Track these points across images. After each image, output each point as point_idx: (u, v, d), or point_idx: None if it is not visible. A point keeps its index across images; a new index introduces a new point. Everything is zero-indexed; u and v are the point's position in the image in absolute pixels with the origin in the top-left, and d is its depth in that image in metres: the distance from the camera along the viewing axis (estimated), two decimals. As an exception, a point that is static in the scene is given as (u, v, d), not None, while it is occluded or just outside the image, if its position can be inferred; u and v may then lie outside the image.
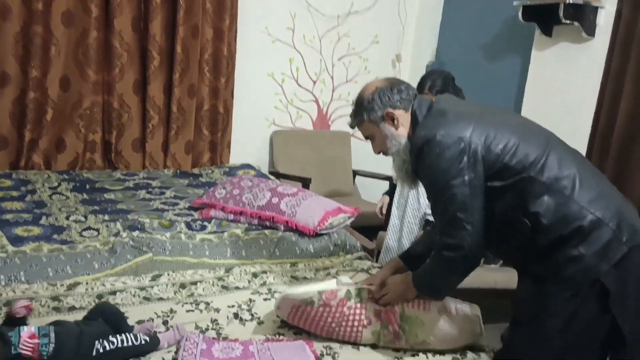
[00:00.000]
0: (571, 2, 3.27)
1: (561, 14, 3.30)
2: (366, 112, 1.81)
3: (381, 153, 1.89)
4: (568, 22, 3.32)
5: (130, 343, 1.68)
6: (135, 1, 3.57)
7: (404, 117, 1.79)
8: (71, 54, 3.46)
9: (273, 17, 4.15)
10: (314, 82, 4.44)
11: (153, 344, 1.72)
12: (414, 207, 2.89)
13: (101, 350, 1.63)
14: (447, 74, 2.86)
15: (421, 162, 1.69)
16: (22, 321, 1.68)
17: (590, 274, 1.56)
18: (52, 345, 1.59)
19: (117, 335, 1.68)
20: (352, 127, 1.92)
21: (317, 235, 2.78)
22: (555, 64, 3.55)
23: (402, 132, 1.79)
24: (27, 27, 3.31)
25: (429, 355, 1.87)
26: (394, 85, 1.81)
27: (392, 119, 1.79)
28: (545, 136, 1.72)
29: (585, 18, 3.32)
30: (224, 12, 3.83)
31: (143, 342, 1.70)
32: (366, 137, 1.90)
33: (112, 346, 1.65)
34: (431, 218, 2.68)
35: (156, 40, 3.63)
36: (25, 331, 1.61)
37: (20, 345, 1.52)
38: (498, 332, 1.81)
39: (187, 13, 3.68)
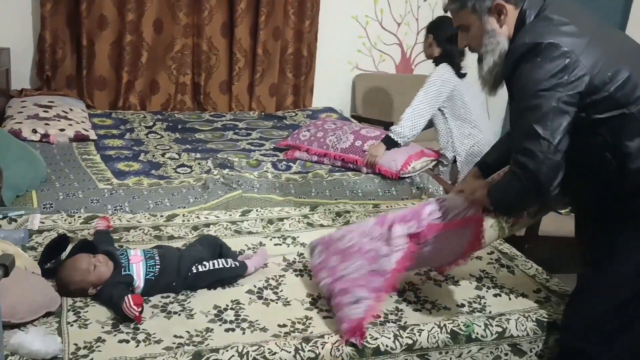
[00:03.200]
0: None
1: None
2: None
3: (467, 47, 1.72)
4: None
5: (221, 265, 1.82)
6: (223, -56, 3.61)
7: (511, 15, 1.59)
8: (163, -2, 3.58)
9: (358, -43, 4.08)
10: (399, 25, 4.36)
11: (242, 268, 1.85)
12: None
13: (195, 271, 1.78)
14: None
15: (518, 69, 1.54)
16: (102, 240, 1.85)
17: None
18: (157, 267, 1.74)
19: (211, 261, 1.82)
20: (446, 10, 1.68)
21: (400, 178, 2.81)
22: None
23: (504, 31, 1.60)
24: (122, -29, 3.44)
25: (512, 296, 1.90)
26: None
27: (499, 14, 1.59)
28: None
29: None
30: (309, -47, 3.81)
31: (233, 266, 1.84)
32: (457, 27, 1.68)
33: (205, 268, 1.80)
34: None
35: (243, -19, 3.67)
36: (132, 254, 1.78)
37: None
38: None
39: (273, -46, 3.68)
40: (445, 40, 2.88)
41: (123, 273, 1.71)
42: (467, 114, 2.92)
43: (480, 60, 1.67)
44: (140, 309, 1.57)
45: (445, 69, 2.87)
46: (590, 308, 1.63)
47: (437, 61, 2.94)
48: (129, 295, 1.58)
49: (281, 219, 2.35)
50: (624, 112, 1.50)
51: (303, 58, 4.01)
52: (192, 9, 3.67)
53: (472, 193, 1.74)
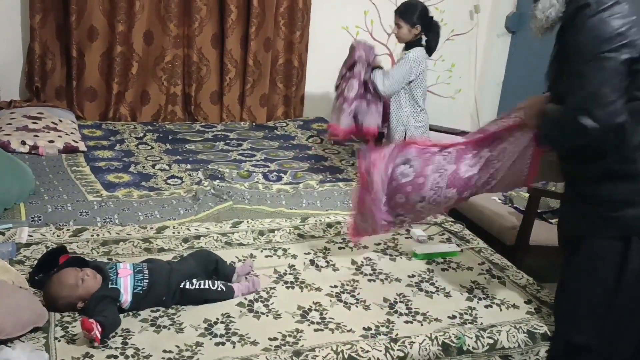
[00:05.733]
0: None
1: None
2: None
3: None
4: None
5: (207, 286, 1.80)
6: (214, -45, 3.62)
7: None
8: (154, 8, 3.57)
9: (349, -32, 4.10)
10: (389, 36, 4.37)
11: (229, 292, 1.83)
12: None
13: (183, 287, 1.77)
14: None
15: (579, 20, 1.52)
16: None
17: None
18: (146, 281, 1.73)
19: (200, 280, 1.81)
20: None
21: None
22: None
23: None
24: (112, -19, 3.44)
25: (503, 307, 1.90)
26: None
27: None
28: None
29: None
30: (300, -36, 3.82)
31: (220, 289, 1.82)
32: None
33: (192, 287, 1.78)
34: None
35: (234, -7, 3.68)
36: (121, 267, 1.77)
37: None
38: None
39: (263, -35, 3.70)
40: (428, 26, 3.10)
41: (110, 286, 1.70)
42: (422, 95, 3.17)
43: (536, 0, 1.65)
44: (92, 332, 1.50)
45: (421, 52, 3.10)
46: (578, 299, 1.68)
47: (411, 44, 3.12)
48: (83, 318, 1.54)
49: (272, 231, 2.34)
50: None
51: (294, 68, 4.02)
52: (182, 21, 3.67)
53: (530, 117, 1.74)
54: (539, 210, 2.78)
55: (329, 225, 2.44)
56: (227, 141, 3.46)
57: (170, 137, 3.41)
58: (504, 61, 4.58)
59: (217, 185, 2.65)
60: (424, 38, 3.17)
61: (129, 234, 2.19)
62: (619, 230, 1.57)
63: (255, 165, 3.06)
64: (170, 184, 2.69)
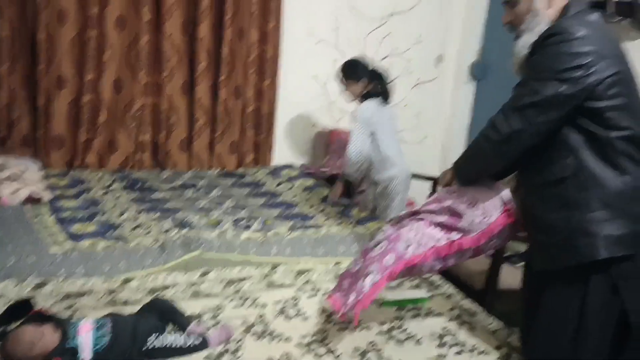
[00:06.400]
0: (621, -1, 3.22)
1: (611, 11, 3.25)
2: None
3: (508, 25, 1.73)
4: (620, 18, 3.29)
5: (179, 344, 1.75)
6: (185, 5, 3.68)
7: (559, 1, 1.63)
8: (124, 57, 3.59)
9: (317, 19, 4.20)
10: (357, 83, 4.46)
11: (202, 346, 1.79)
12: None
13: (151, 347, 1.71)
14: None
15: (544, 44, 1.57)
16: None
17: (600, 252, 1.54)
18: (108, 337, 1.67)
19: (169, 335, 1.76)
20: None
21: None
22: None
23: (550, 13, 1.64)
24: (82, 31, 3.45)
25: (474, 354, 1.89)
26: None
27: None
28: None
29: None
30: (269, 14, 3.90)
31: (192, 345, 1.77)
32: (505, 2, 1.72)
33: (161, 344, 1.73)
34: None
35: (204, 42, 3.73)
36: (82, 323, 1.71)
37: None
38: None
39: (234, 16, 3.76)
40: (373, 76, 3.23)
41: (67, 346, 1.63)
42: (384, 147, 3.19)
43: (517, 38, 1.71)
44: None
45: (367, 106, 3.19)
46: (545, 343, 1.67)
47: (365, 97, 3.24)
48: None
49: (241, 279, 2.31)
50: (606, 137, 1.53)
51: (264, 116, 4.05)
52: (152, 69, 3.69)
53: (444, 177, 1.95)
54: (505, 255, 2.80)
55: (299, 272, 2.42)
56: (196, 189, 3.44)
57: (138, 186, 3.37)
58: (469, 107, 4.71)
59: (186, 234, 2.61)
60: (376, 88, 3.25)
61: (94, 286, 2.13)
62: (575, 259, 1.57)
63: (225, 212, 3.03)
64: (137, 234, 2.64)
